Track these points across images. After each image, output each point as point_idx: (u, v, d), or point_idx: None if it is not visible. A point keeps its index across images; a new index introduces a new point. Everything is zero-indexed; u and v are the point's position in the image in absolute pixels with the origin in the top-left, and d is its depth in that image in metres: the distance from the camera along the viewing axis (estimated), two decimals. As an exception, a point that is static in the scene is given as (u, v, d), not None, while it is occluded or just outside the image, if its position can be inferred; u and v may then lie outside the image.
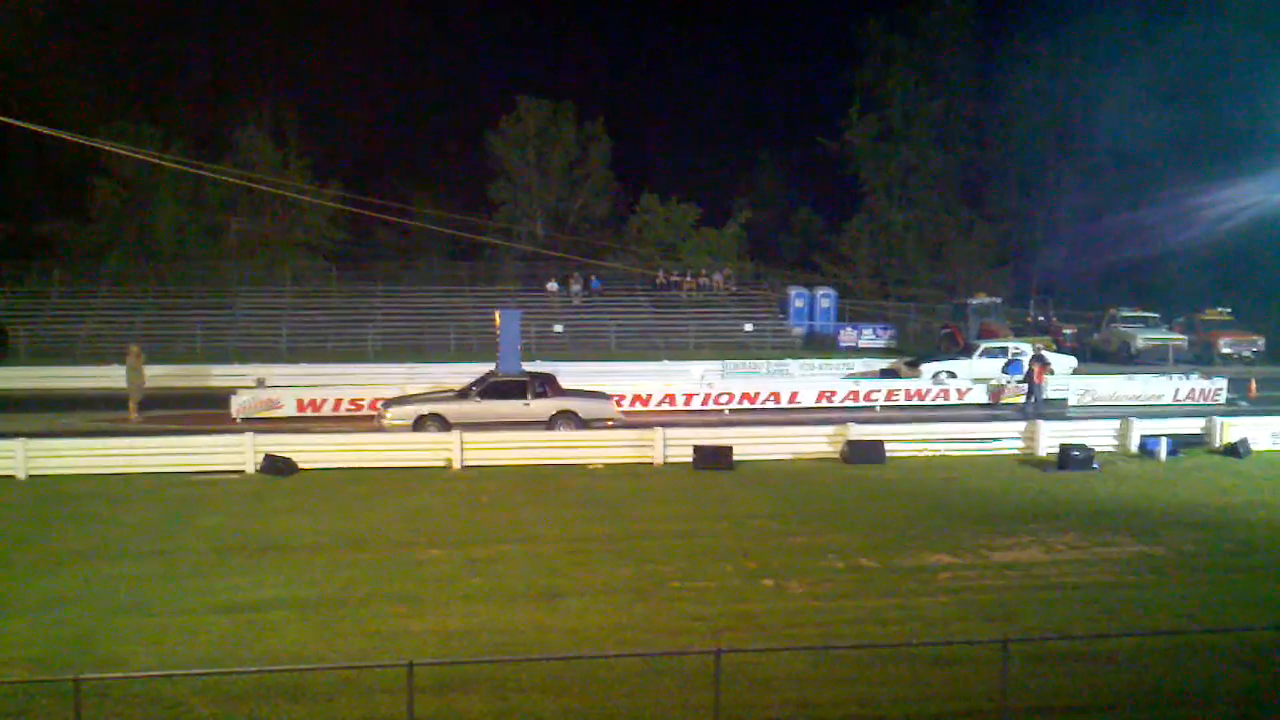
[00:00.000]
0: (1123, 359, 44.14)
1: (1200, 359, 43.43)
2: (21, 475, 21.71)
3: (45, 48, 57.10)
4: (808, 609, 14.16)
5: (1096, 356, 45.15)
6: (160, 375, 33.18)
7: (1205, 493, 21.36)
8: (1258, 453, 25.07)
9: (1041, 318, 50.21)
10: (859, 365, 41.77)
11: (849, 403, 32.20)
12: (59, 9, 58.41)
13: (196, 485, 21.30)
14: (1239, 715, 11.14)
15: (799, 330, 55.88)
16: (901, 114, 66.12)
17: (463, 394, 26.52)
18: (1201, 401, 32.81)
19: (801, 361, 42.83)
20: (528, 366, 30.07)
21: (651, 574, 15.48)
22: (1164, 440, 24.83)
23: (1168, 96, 53.33)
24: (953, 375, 35.01)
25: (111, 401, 30.15)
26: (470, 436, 23.46)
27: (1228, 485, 22.10)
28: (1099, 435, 25.62)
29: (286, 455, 22.44)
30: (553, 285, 56.98)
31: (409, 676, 9.46)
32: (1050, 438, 24.97)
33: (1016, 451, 25.13)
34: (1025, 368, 31.87)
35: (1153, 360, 42.86)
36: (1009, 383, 32.94)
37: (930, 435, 25.49)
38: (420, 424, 25.46)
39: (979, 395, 32.85)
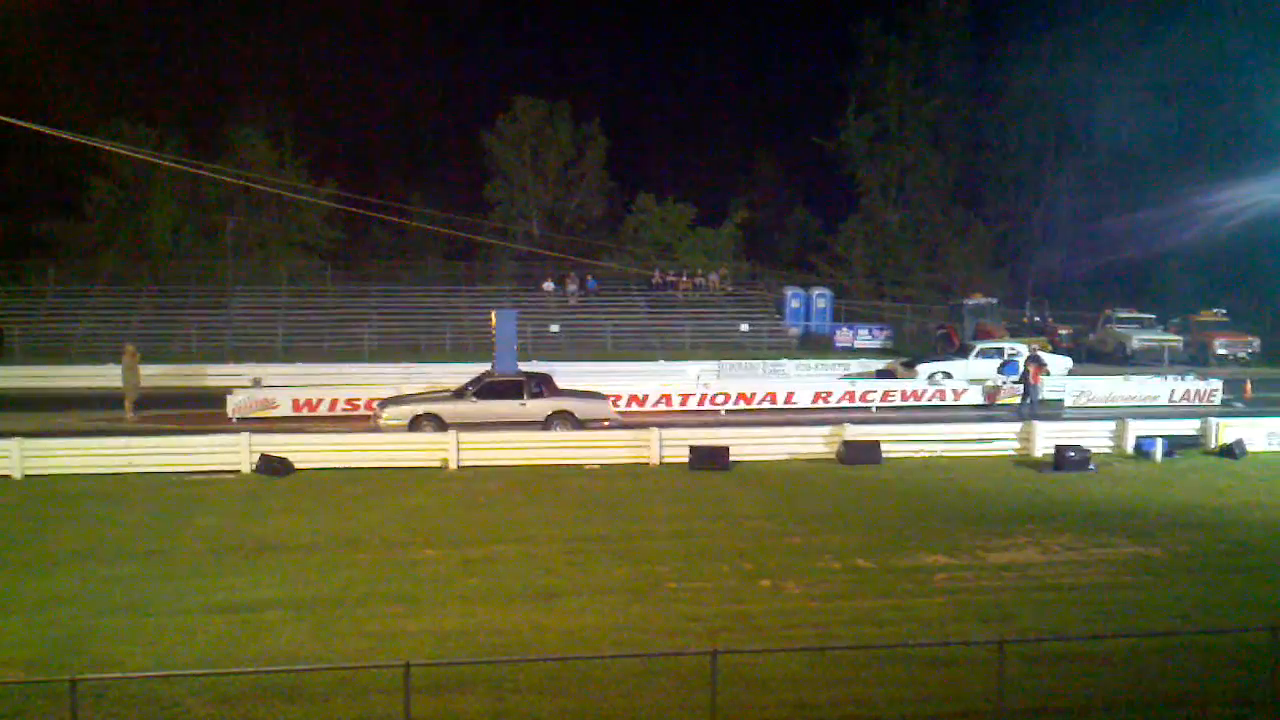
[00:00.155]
0: (1118, 360, 44.23)
1: (1196, 360, 43.52)
2: (17, 475, 21.69)
3: (42, 47, 57.06)
4: (804, 609, 14.17)
5: (1092, 357, 45.23)
6: (156, 375, 33.20)
7: (1201, 494, 21.39)
8: (1253, 454, 25.12)
9: (1037, 318, 50.28)
10: (855, 366, 41.85)
11: (845, 403, 32.23)
12: (56, 8, 58.33)
13: (192, 485, 21.28)
14: (1234, 716, 11.15)
15: (795, 331, 55.91)
16: (897, 114, 66.16)
17: (459, 394, 26.51)
18: (1197, 402, 32.84)
19: (797, 362, 42.89)
20: (524, 366, 30.08)
21: (648, 574, 15.48)
22: (1160, 441, 24.87)
23: (1164, 98, 53.46)
24: (949, 376, 35.04)
25: (107, 401, 30.14)
26: (466, 437, 23.45)
27: (1223, 486, 22.13)
28: (1095, 436, 25.65)
29: (282, 455, 22.42)
30: (549, 285, 56.99)
31: (405, 677, 9.46)
32: (1046, 439, 24.98)
33: (1012, 452, 25.15)
34: (1021, 368, 31.91)
35: (1148, 361, 42.96)
36: (1005, 383, 32.97)
37: (926, 436, 25.51)
38: (416, 424, 25.45)
39: (975, 396, 32.89)
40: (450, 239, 55.43)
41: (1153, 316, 47.45)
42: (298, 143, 63.57)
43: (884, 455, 24.08)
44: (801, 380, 37.09)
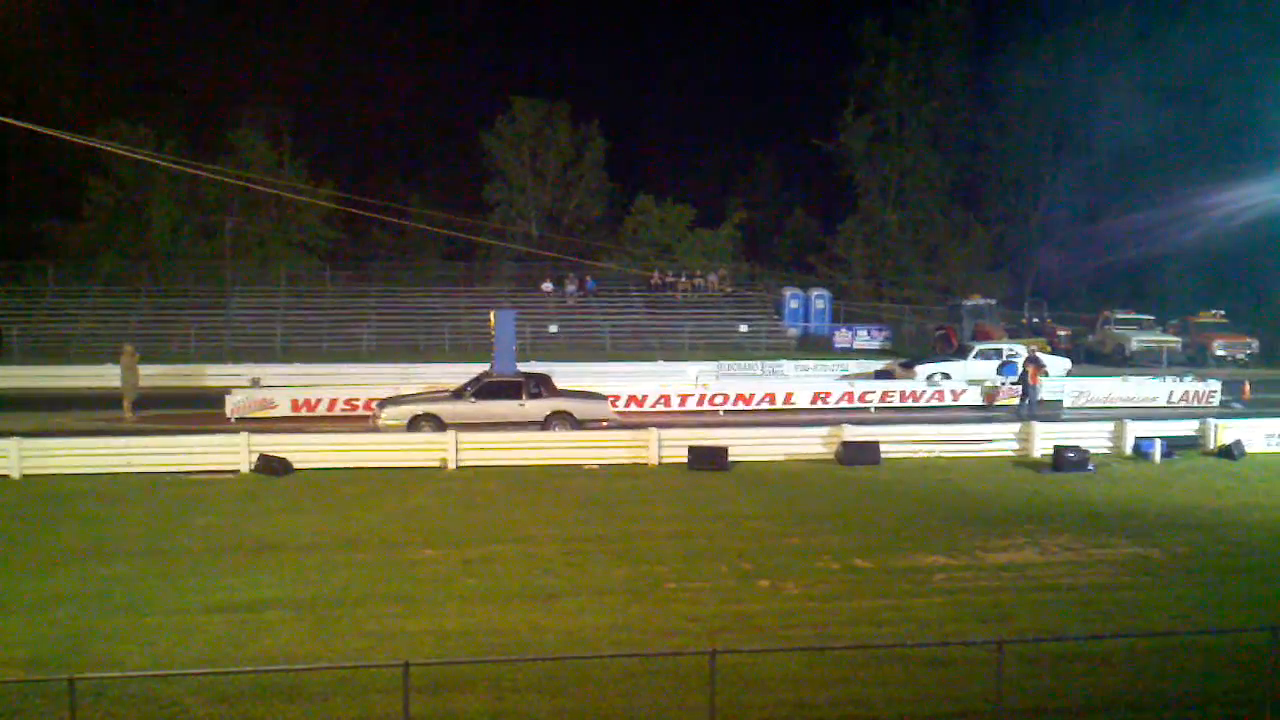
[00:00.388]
0: (1117, 361, 44.28)
1: (1194, 361, 43.56)
2: (16, 475, 21.67)
3: (41, 47, 57.02)
4: (803, 610, 14.17)
5: (1091, 358, 45.29)
6: (155, 375, 33.19)
7: (1199, 495, 21.40)
8: (1252, 454, 25.13)
9: (1036, 319, 50.31)
10: (854, 366, 41.90)
11: (844, 404, 32.26)
12: (55, 8, 58.31)
13: (191, 485, 21.27)
14: (1234, 717, 11.15)
15: (794, 331, 55.95)
16: (897, 115, 66.18)
17: (458, 394, 26.50)
18: (1196, 404, 32.87)
19: (796, 362, 42.95)
20: (523, 367, 30.07)
21: (647, 574, 15.48)
22: (1158, 442, 24.89)
23: (1163, 100, 53.42)
24: (947, 377, 35.06)
25: (106, 401, 30.13)
26: (465, 437, 23.46)
27: (1222, 487, 22.15)
28: (1094, 437, 25.66)
29: (282, 455, 22.41)
30: (548, 286, 57.00)
31: (405, 676, 9.44)
32: (1045, 439, 24.99)
33: (1011, 453, 25.16)
34: (1020, 369, 31.94)
35: (1147, 362, 43.00)
36: (1004, 384, 33.00)
37: (925, 436, 25.53)
38: (415, 424, 25.44)
39: (974, 397, 32.92)
40: (449, 239, 55.50)
41: (1151, 318, 47.52)
42: (297, 143, 63.56)
43: (883, 456, 24.08)
44: (800, 381, 37.11)
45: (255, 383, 32.40)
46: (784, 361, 42.79)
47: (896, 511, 19.62)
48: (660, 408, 31.46)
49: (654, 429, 24.25)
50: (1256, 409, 31.25)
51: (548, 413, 26.11)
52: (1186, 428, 26.67)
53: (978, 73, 65.91)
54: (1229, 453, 24.98)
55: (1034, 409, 29.93)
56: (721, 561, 16.18)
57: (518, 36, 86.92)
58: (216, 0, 70.15)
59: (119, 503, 19.75)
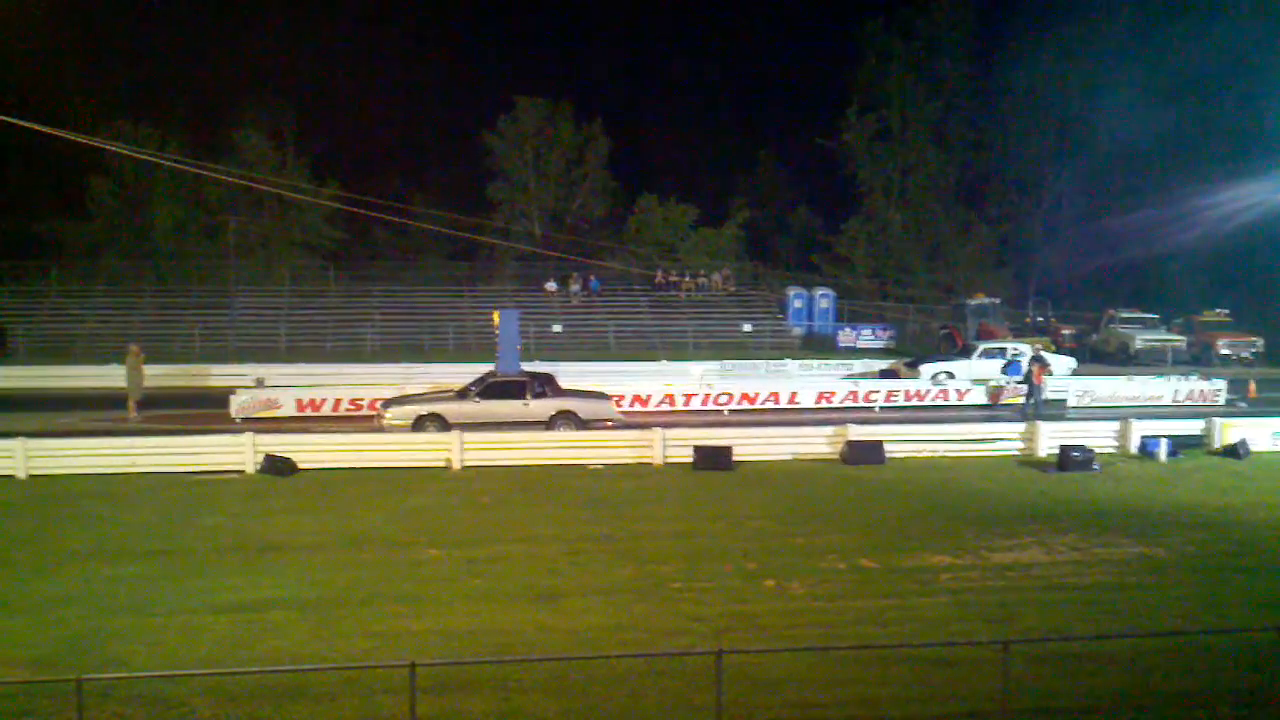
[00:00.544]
0: (1122, 360, 44.21)
1: (1199, 360, 43.49)
2: (21, 475, 21.71)
3: (44, 46, 57.07)
4: (808, 610, 14.16)
5: (1095, 357, 45.21)
6: (159, 375, 33.21)
7: (1205, 493, 21.38)
8: (1257, 453, 25.08)
9: (1040, 318, 50.33)
10: (858, 366, 41.86)
11: (848, 403, 32.24)
12: (58, 8, 58.36)
13: (196, 485, 21.30)
14: (1240, 716, 11.14)
15: (798, 331, 55.95)
16: (900, 114, 66.09)
17: (462, 394, 26.51)
18: (1201, 402, 32.84)
19: (800, 362, 42.90)
20: (527, 367, 30.09)
21: (652, 574, 15.48)
22: (1164, 441, 24.85)
23: (1167, 98, 53.34)
24: (952, 376, 35.03)
25: (111, 401, 30.15)
26: (470, 437, 23.47)
27: (1227, 486, 22.12)
28: (1098, 436, 25.65)
29: (286, 455, 22.43)
30: (551, 285, 57.02)
31: (411, 676, 9.46)
32: (1050, 439, 24.97)
33: (1016, 452, 25.14)
34: (1024, 369, 31.91)
35: (1152, 361, 42.93)
36: (1008, 384, 32.97)
37: (930, 436, 25.51)
38: (420, 424, 25.46)
39: (978, 396, 32.88)
40: (452, 239, 55.46)
41: (1156, 316, 47.41)
42: (299, 143, 63.60)
43: (887, 455, 24.06)
44: (805, 380, 37.07)
45: (260, 383, 32.44)
46: (788, 361, 42.75)
47: (901, 511, 19.60)
48: (664, 407, 31.45)
49: (658, 429, 24.25)
50: (1261, 408, 31.21)
51: (552, 413, 26.12)
52: (1192, 427, 26.61)
53: (981, 71, 65.85)
54: (1234, 452, 24.93)
55: (1039, 408, 29.90)
56: (726, 561, 16.18)
57: (520, 36, 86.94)
58: (219, 0, 70.21)
59: (124, 503, 19.78)
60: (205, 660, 12.12)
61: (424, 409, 25.95)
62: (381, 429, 25.52)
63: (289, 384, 32.17)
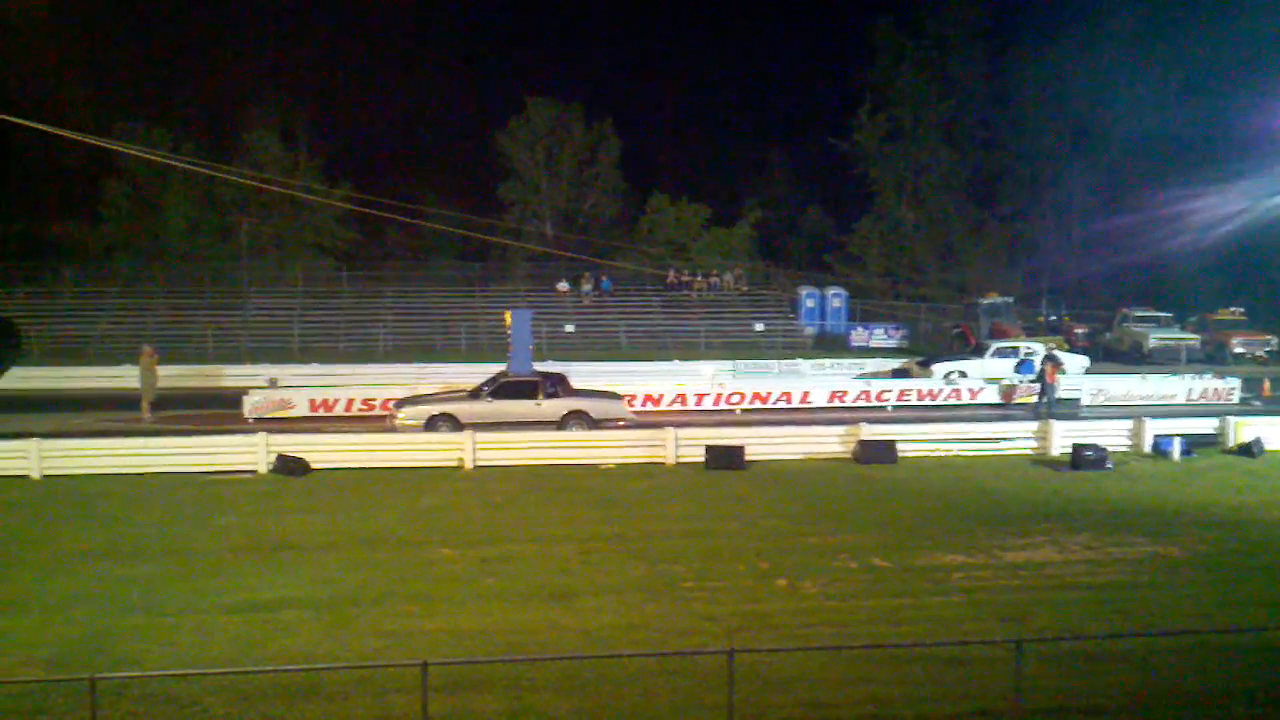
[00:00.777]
0: (1135, 359, 44.08)
1: (1213, 359, 43.36)
2: (35, 475, 21.80)
3: (56, 49, 57.33)
4: (821, 609, 14.13)
5: (1109, 356, 45.06)
6: (172, 375, 33.33)
7: (1219, 492, 21.28)
8: (1271, 452, 24.96)
9: (1053, 317, 50.16)
10: (870, 365, 41.80)
11: (861, 403, 32.18)
12: (69, 10, 58.60)
13: (210, 485, 21.35)
14: (1255, 716, 11.08)
15: (810, 330, 55.90)
16: (912, 114, 66.05)
17: (475, 394, 26.53)
18: (1215, 401, 32.71)
19: (813, 361, 42.83)
20: (539, 367, 30.10)
21: (664, 574, 15.46)
22: (1177, 440, 24.74)
23: (1179, 95, 53.21)
24: (964, 375, 34.97)
25: (124, 402, 30.26)
26: (482, 436, 23.49)
27: (1241, 485, 22.01)
28: (1112, 435, 25.52)
29: (299, 455, 22.48)
30: (563, 285, 57.04)
31: (423, 676, 9.46)
32: (1063, 438, 24.89)
33: (1029, 451, 25.06)
34: (1037, 367, 31.85)
35: (1165, 360, 42.79)
36: (1021, 382, 32.89)
37: (942, 435, 25.43)
38: (432, 424, 25.48)
39: (991, 395, 32.81)
40: (465, 240, 55.56)
41: (1169, 315, 47.28)
42: (312, 144, 63.81)
43: (900, 455, 24.01)
44: (817, 380, 37.02)
45: (273, 383, 32.53)
46: (800, 360, 42.70)
47: (914, 510, 19.56)
48: (676, 407, 31.46)
49: (670, 428, 24.24)
50: (1276, 406, 31.08)
51: (564, 412, 26.12)
52: (1205, 426, 26.50)
53: (993, 70, 65.79)
54: (1248, 450, 24.82)
55: (1052, 407, 29.82)
56: (739, 561, 16.15)
57: (532, 36, 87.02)
58: (231, 1, 70.36)
59: (138, 503, 19.83)
60: (218, 659, 12.14)
61: (436, 409, 25.98)
62: (394, 429, 25.55)
63: (302, 384, 32.26)
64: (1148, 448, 25.19)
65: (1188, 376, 34.51)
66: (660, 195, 66.30)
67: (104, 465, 22.22)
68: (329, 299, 55.02)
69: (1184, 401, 32.76)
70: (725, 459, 23.03)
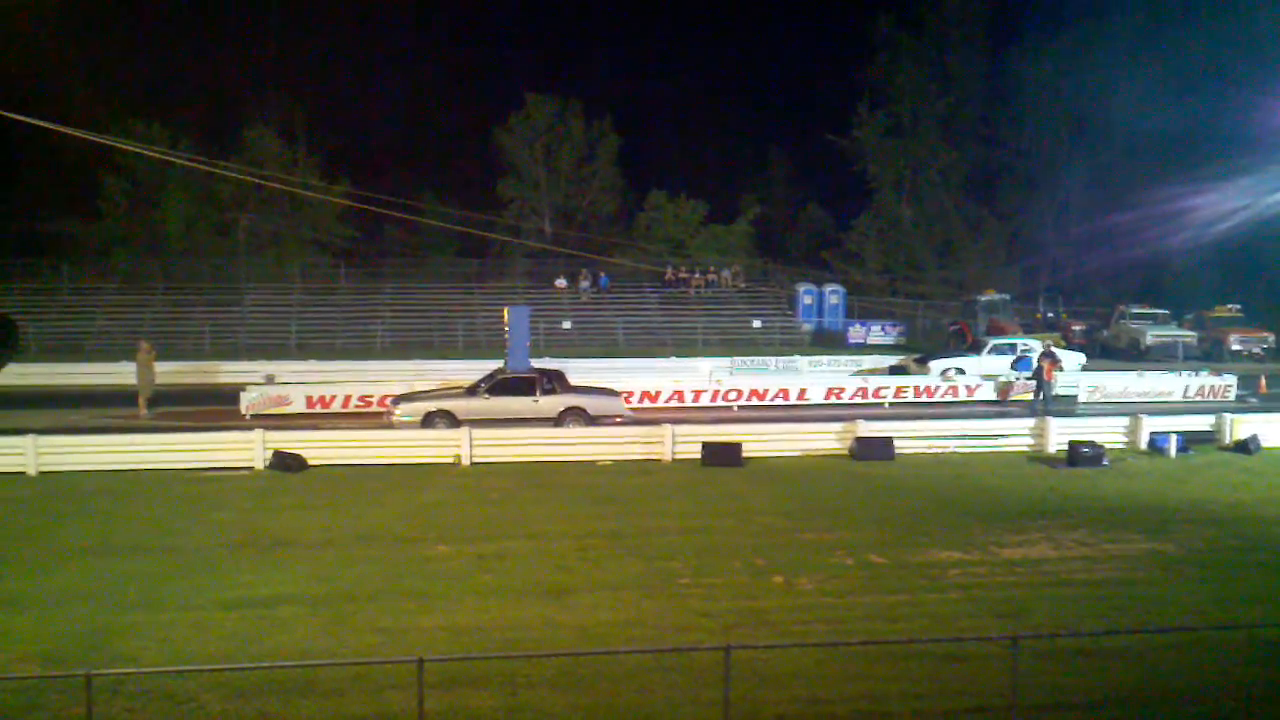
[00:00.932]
0: (1132, 356, 44.10)
1: (1210, 356, 43.38)
2: (32, 471, 21.79)
3: (55, 46, 57.25)
4: (817, 605, 14.14)
5: (1106, 353, 45.13)
6: (170, 372, 33.36)
7: (1215, 489, 21.29)
8: (1268, 449, 24.97)
9: (1051, 314, 50.19)
10: (868, 362, 41.78)
11: (858, 400, 32.18)
12: (69, 7, 58.53)
13: (206, 482, 21.35)
14: (1250, 712, 11.09)
15: (808, 327, 55.91)
16: (911, 110, 66.10)
17: (472, 391, 26.52)
18: (1211, 398, 32.74)
19: (810, 358, 42.83)
20: (536, 363, 30.09)
21: (661, 570, 15.47)
22: (1174, 437, 24.76)
23: (1178, 93, 53.17)
24: (962, 372, 34.97)
25: (121, 398, 30.26)
26: (479, 433, 23.48)
27: (1238, 482, 22.01)
28: (1108, 432, 25.52)
29: (296, 452, 22.48)
30: (561, 282, 57.06)
31: (419, 672, 9.47)
32: (1059, 434, 24.88)
33: (1026, 448, 25.06)
34: (1034, 364, 31.80)
35: (1162, 357, 42.82)
36: (1018, 379, 32.88)
37: (939, 432, 25.41)
38: (429, 421, 25.46)
39: (988, 392, 32.82)
40: (463, 236, 55.63)
41: (1167, 312, 47.32)
42: (310, 140, 63.76)
43: (897, 451, 24.00)
44: (814, 376, 37.03)
45: (270, 380, 32.55)
46: (798, 357, 42.71)
47: (910, 507, 19.57)
48: (674, 404, 31.43)
49: (668, 425, 24.24)
50: (1272, 403, 31.09)
51: (561, 409, 26.10)
52: (1202, 422, 26.53)
53: (992, 67, 65.83)
54: (1245, 447, 24.85)
55: (1048, 404, 29.83)
56: (735, 557, 16.15)
57: (531, 33, 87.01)
58: (230, -1, 70.42)
59: (134, 499, 19.82)
60: (214, 656, 12.13)
61: (434, 405, 25.96)
62: (391, 425, 25.55)
63: (299, 381, 32.26)
64: (1144, 445, 25.19)
65: (1185, 373, 34.52)
66: (658, 192, 66.35)
67: (101, 461, 22.20)
68: (327, 295, 55.07)
69: (1181, 398, 32.79)
70: (722, 456, 23.02)
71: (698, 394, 31.92)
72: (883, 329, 54.95)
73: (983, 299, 47.64)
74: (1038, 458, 24.33)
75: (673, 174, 68.01)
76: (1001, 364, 35.21)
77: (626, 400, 28.29)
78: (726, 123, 78.48)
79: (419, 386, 29.71)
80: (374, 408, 29.18)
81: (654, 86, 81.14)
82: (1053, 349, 32.90)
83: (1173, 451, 24.47)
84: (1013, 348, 36.47)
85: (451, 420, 25.26)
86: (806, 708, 11.02)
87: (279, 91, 63.73)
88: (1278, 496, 20.68)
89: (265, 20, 67.56)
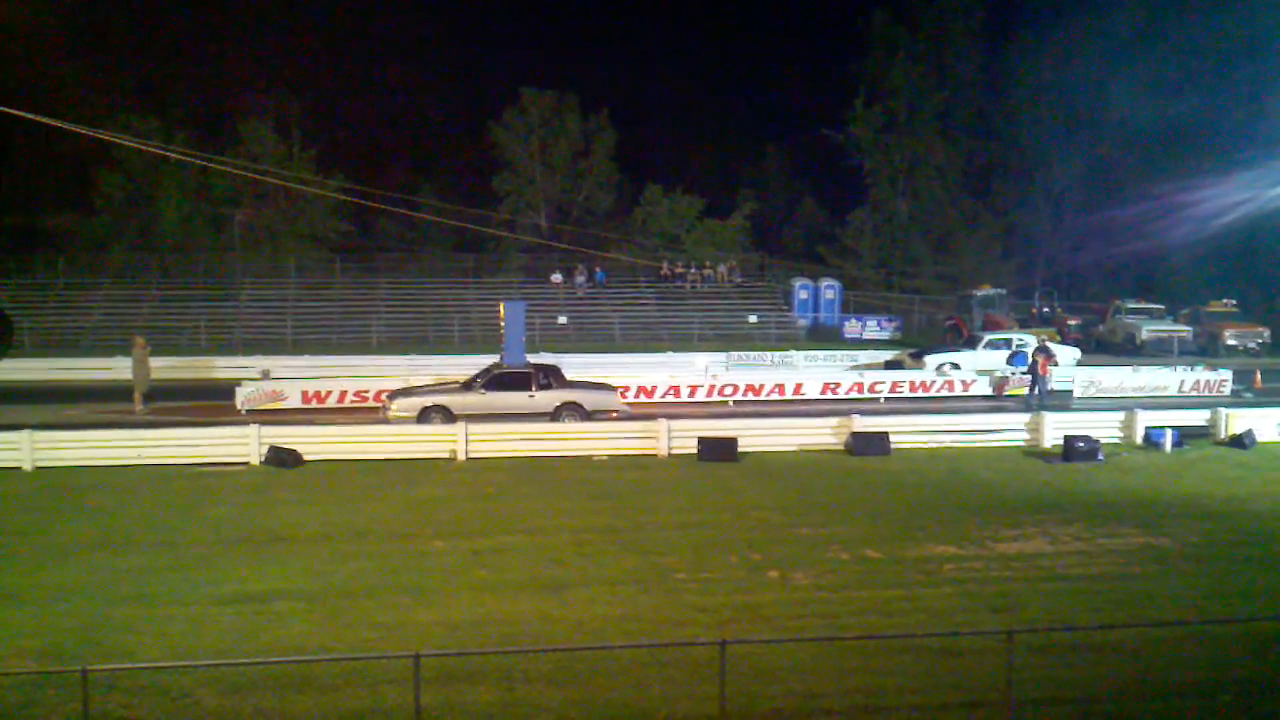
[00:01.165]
0: (1128, 351, 44.16)
1: (1205, 351, 43.41)
2: (28, 467, 21.75)
3: (50, 40, 57.12)
4: (813, 600, 14.15)
5: (1101, 348, 45.18)
6: (165, 367, 33.28)
7: (1210, 484, 21.32)
8: (1263, 444, 25.00)
9: (1046, 309, 50.24)
10: (863, 357, 41.81)
11: (853, 394, 32.23)
12: (64, 2, 58.40)
13: (202, 477, 21.30)
14: (1244, 706, 11.12)
15: (803, 322, 55.98)
16: (906, 105, 66.09)
17: (468, 386, 26.50)
18: (1206, 393, 32.79)
19: (806, 353, 42.85)
20: (532, 358, 30.07)
21: (656, 565, 15.48)
22: (1169, 432, 24.79)
23: (1174, 88, 53.21)
24: (957, 367, 35.01)
25: (117, 393, 30.22)
26: (475, 428, 23.48)
27: (1233, 476, 22.06)
28: (1104, 427, 25.55)
29: (291, 447, 22.45)
30: (557, 277, 57.04)
31: (415, 667, 9.48)
32: (1055, 429, 24.91)
33: (1021, 443, 25.09)
34: (1030, 359, 31.84)
35: (1158, 352, 42.88)
36: (1013, 374, 32.92)
37: (935, 427, 25.44)
38: (425, 416, 25.44)
39: (983, 387, 32.86)
40: (458, 231, 55.69)
41: (1162, 307, 47.37)
42: (306, 135, 63.67)
43: (892, 446, 24.01)
44: (810, 371, 37.03)
45: (265, 375, 32.52)
46: (793, 352, 42.73)
47: (906, 502, 19.58)
48: (670, 399, 31.44)
49: (663, 420, 24.25)
50: (1268, 398, 31.13)
51: (557, 404, 26.08)
52: (1197, 417, 26.58)
53: (988, 61, 65.83)
54: (1240, 442, 24.88)
55: (1044, 399, 29.87)
56: (731, 552, 16.16)
57: (526, 28, 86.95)
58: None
59: (130, 495, 19.80)
60: (210, 651, 12.12)
61: (429, 401, 25.94)
62: (387, 421, 25.53)
63: (295, 376, 32.23)
64: (1140, 439, 25.25)
65: (1180, 368, 34.57)
66: (654, 187, 66.37)
67: (96, 457, 22.14)
68: (322, 290, 55.00)
69: (1176, 393, 32.84)
70: (718, 451, 23.03)
71: (693, 389, 31.95)
72: (878, 324, 55.01)
73: (978, 294, 47.67)
74: (1033, 452, 24.37)
75: (669, 169, 68.22)
76: (997, 359, 35.25)
77: (622, 395, 28.27)
78: (722, 118, 78.65)
79: (415, 381, 29.67)
80: (370, 403, 29.15)
81: (650, 81, 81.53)
82: (1048, 344, 32.98)
83: (1168, 446, 24.51)
84: (1008, 343, 36.50)
85: (447, 415, 25.24)
86: (802, 702, 11.03)
87: (274, 86, 63.63)
88: (1272, 491, 20.72)
89: (260, 15, 67.45)
